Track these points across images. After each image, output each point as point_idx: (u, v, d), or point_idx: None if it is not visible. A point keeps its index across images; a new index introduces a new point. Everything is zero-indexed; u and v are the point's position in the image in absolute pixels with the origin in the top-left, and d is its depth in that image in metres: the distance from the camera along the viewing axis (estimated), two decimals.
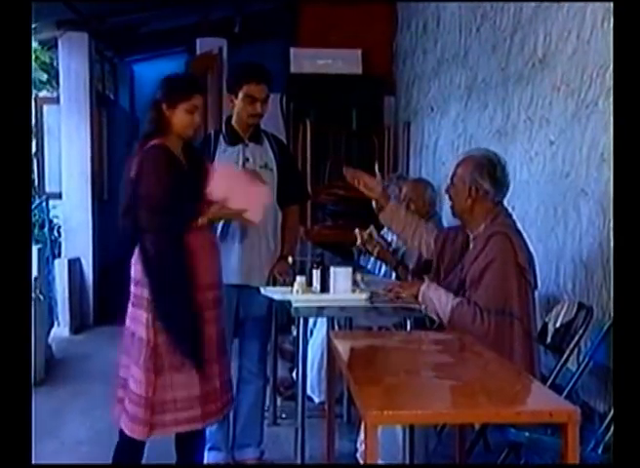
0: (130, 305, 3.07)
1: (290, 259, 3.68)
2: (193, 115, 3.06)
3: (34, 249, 5.67)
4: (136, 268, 3.04)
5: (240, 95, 3.52)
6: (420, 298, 3.10)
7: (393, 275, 4.16)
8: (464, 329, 2.89)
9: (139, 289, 3.03)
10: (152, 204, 2.96)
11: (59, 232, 7.27)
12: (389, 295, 3.23)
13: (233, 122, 3.61)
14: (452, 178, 3.19)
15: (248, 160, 3.58)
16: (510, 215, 3.13)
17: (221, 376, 3.14)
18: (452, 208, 3.24)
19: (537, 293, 3.12)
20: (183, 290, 2.98)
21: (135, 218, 2.98)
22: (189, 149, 3.15)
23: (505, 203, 3.19)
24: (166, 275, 2.99)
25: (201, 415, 3.05)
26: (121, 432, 3.05)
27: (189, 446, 3.22)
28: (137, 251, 3.03)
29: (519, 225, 3.14)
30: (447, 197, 3.26)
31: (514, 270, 2.94)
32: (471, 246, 3.14)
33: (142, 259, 3.00)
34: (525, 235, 3.09)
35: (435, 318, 3.11)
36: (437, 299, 3.03)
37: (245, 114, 3.54)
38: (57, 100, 7.02)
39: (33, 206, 6.88)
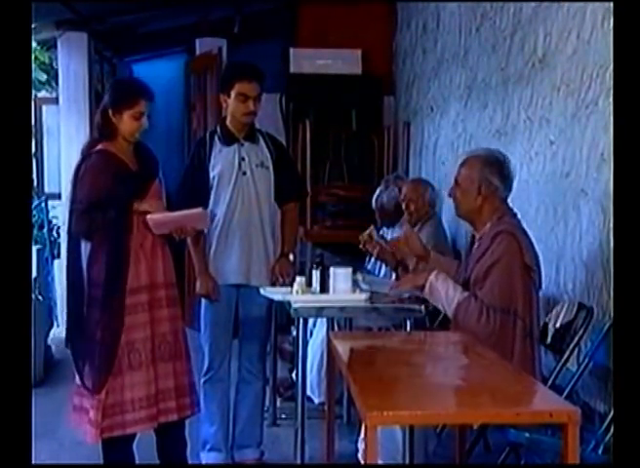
0: None
1: (291, 257, 3.68)
2: (139, 121, 3.10)
3: (33, 249, 5.67)
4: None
5: (232, 94, 3.52)
6: (426, 289, 3.09)
7: (393, 275, 4.15)
8: (468, 324, 2.89)
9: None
10: (84, 208, 3.03)
11: (58, 233, 7.26)
12: (394, 289, 3.25)
13: (228, 122, 3.61)
14: (456, 180, 3.18)
15: (244, 159, 3.58)
16: (515, 215, 3.13)
17: (177, 377, 3.18)
18: (457, 209, 3.21)
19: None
20: (113, 292, 3.04)
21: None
22: (141, 150, 3.20)
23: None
24: (101, 276, 3.05)
25: (154, 415, 3.10)
26: (103, 444, 3.13)
27: (169, 447, 3.25)
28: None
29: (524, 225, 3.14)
30: (451, 199, 3.23)
31: (520, 270, 2.94)
32: (476, 245, 3.14)
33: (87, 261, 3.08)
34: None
35: (440, 308, 3.12)
36: (444, 291, 3.03)
37: (238, 113, 3.54)
38: (56, 101, 7.01)
39: (32, 206, 6.87)
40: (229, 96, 3.53)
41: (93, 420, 3.03)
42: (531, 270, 2.96)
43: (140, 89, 3.15)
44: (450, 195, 3.23)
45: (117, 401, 3.04)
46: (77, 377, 3.10)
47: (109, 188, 3.02)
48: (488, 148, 3.38)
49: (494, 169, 3.09)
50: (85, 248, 3.07)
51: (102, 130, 3.12)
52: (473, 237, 3.22)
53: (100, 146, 3.08)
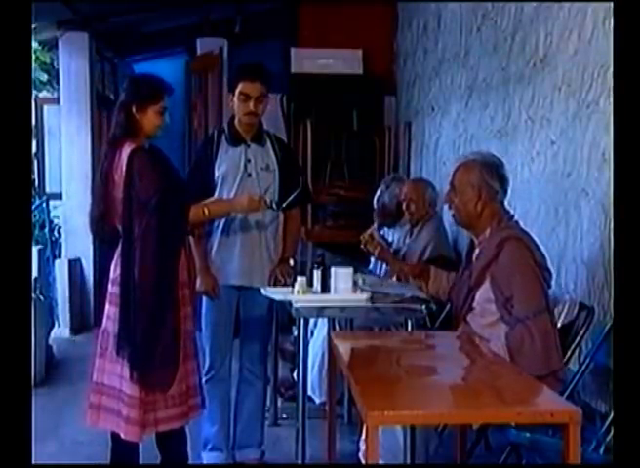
0: (112, 306, 3.10)
1: (291, 262, 3.67)
2: (162, 116, 3.12)
3: (34, 249, 5.68)
4: (116, 269, 3.07)
5: (236, 93, 3.53)
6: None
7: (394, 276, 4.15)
8: (528, 350, 2.85)
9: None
10: (157, 204, 2.99)
11: (59, 233, 7.27)
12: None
13: (235, 122, 3.61)
14: (452, 186, 3.12)
15: (250, 161, 3.57)
16: (513, 217, 3.12)
17: (194, 376, 3.19)
18: (455, 216, 3.16)
19: None
20: (172, 287, 3.06)
21: (118, 221, 3.04)
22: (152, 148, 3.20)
23: (506, 203, 3.18)
24: (160, 273, 3.03)
25: (186, 412, 3.11)
26: (113, 436, 3.08)
27: (172, 442, 3.24)
28: (119, 251, 3.06)
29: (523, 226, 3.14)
30: (448, 206, 3.17)
31: (536, 269, 2.94)
32: (477, 251, 3.12)
33: (135, 260, 3.01)
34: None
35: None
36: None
37: (240, 112, 3.55)
38: (57, 101, 7.02)
39: (33, 206, 6.87)
40: (234, 95, 3.54)
41: (131, 418, 2.98)
42: (542, 267, 2.96)
43: (162, 84, 3.16)
44: (446, 202, 3.19)
45: (152, 398, 3.03)
46: (132, 376, 2.99)
47: (164, 183, 3.04)
48: (479, 152, 3.36)
49: (492, 172, 3.06)
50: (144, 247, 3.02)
51: (126, 127, 3.08)
52: (472, 242, 3.20)
53: (130, 144, 3.05)
